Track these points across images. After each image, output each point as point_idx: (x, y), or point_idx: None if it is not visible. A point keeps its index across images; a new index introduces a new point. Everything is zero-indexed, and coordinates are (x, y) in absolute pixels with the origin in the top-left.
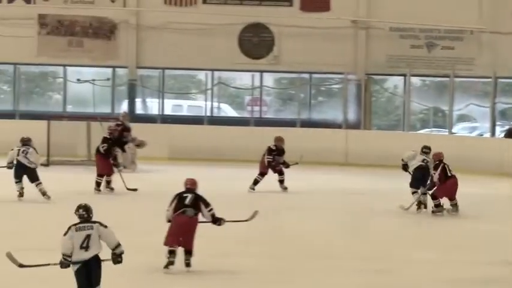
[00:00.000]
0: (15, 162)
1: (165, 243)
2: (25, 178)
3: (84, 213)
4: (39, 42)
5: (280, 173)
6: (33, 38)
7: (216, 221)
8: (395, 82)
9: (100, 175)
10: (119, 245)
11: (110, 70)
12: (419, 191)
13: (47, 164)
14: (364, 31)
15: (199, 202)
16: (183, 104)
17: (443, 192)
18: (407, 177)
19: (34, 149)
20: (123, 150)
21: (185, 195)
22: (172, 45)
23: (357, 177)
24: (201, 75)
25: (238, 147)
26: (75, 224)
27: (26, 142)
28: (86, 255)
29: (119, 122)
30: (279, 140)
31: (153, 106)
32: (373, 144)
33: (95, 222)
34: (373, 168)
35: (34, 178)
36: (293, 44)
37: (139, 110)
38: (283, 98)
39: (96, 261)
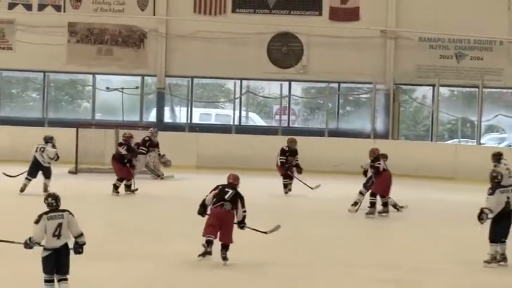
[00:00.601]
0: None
1: (204, 234)
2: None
3: (53, 202)
4: (68, 50)
5: (286, 177)
6: (63, 46)
7: (241, 223)
8: (423, 92)
9: (120, 179)
10: (82, 234)
11: (138, 78)
12: (363, 191)
13: (75, 172)
14: (393, 41)
15: (237, 199)
16: (211, 112)
17: (377, 186)
18: (433, 188)
19: (53, 145)
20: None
21: (227, 189)
22: (201, 54)
23: None
24: (230, 84)
25: (266, 156)
26: (46, 213)
27: (46, 140)
28: (58, 243)
29: (147, 138)
30: (292, 141)
31: (181, 114)
32: (401, 155)
33: (64, 210)
34: (400, 178)
35: (48, 175)
36: (322, 54)
37: (167, 118)
38: (312, 107)
39: (65, 249)
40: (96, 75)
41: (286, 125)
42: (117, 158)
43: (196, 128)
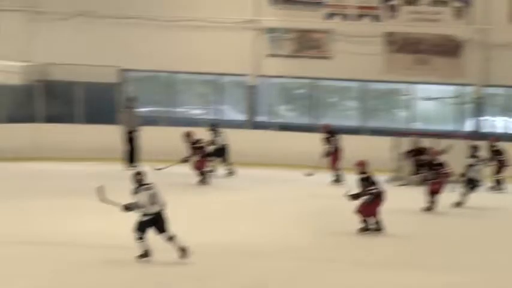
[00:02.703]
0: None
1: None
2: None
3: (143, 178)
4: (385, 60)
5: None
6: (379, 56)
7: None
8: None
9: None
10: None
11: (454, 88)
12: None
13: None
14: None
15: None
16: None
17: None
18: None
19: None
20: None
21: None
22: None
23: None
24: None
25: None
26: (139, 185)
27: (213, 126)
28: (155, 209)
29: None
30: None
31: (497, 124)
32: None
33: (150, 183)
34: None
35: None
36: None
37: (484, 128)
38: None
39: (160, 214)
40: (413, 85)
41: None
42: None
43: None
